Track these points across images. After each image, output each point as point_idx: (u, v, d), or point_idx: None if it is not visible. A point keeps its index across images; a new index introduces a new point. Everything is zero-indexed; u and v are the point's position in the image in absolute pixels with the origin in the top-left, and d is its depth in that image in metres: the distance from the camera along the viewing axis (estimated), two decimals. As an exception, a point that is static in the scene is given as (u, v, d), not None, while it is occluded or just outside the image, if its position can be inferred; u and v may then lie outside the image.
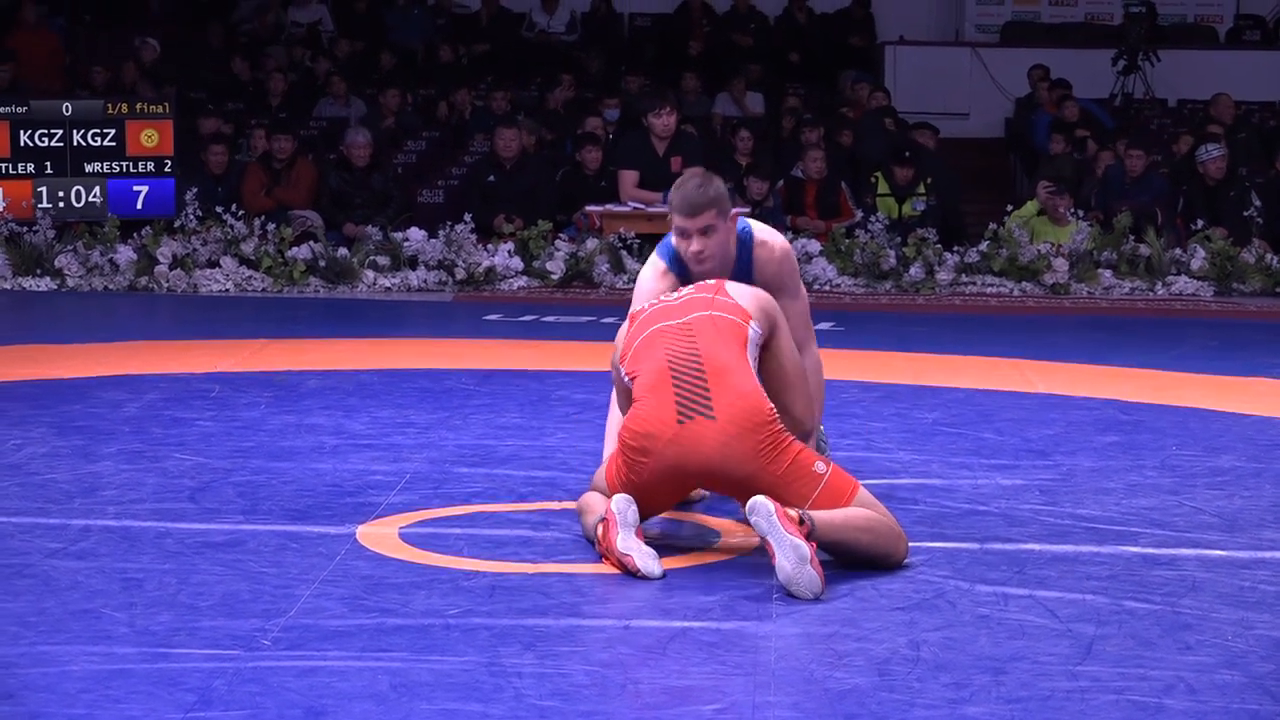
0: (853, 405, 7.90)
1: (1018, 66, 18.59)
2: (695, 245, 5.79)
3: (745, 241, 5.94)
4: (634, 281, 12.52)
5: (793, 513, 4.84)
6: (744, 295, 5.42)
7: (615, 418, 5.74)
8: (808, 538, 4.81)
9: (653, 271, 5.98)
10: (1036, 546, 5.39)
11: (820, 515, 4.95)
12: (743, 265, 5.93)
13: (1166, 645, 4.40)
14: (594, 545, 5.18)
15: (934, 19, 20.01)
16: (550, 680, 4.07)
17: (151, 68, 17.57)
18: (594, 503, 5.30)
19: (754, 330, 5.27)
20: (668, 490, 5.22)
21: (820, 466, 5.09)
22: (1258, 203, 13.85)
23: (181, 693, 3.92)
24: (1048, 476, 6.49)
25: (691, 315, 5.30)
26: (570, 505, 5.72)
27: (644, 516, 5.16)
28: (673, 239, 5.90)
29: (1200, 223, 13.71)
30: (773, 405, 5.13)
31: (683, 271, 5.88)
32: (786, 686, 4.06)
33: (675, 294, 5.53)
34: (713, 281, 5.53)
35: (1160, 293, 13.16)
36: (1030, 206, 14.04)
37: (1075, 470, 6.62)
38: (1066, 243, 13.45)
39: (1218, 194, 14.36)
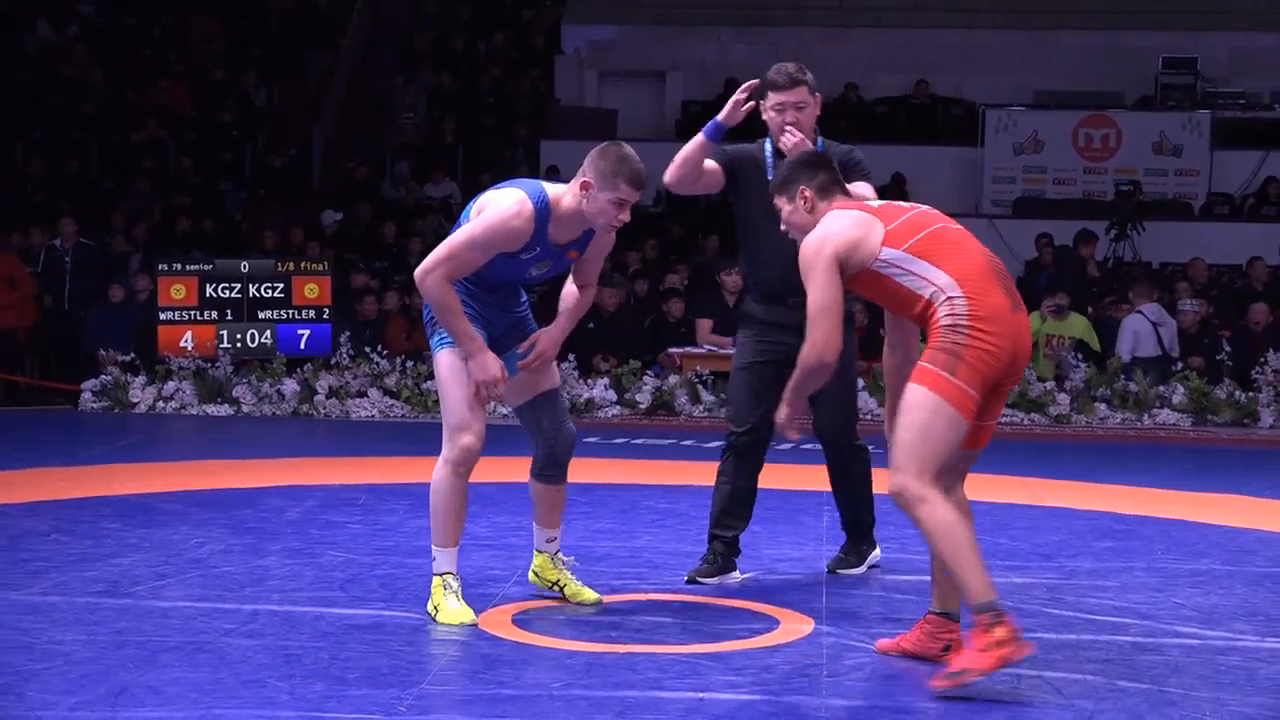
0: (888, 516, 7.85)
1: (1026, 234, 18.57)
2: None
3: None
4: (709, 411, 12.30)
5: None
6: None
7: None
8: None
9: (514, 209, 5.53)
10: (1044, 635, 5.33)
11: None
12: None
13: (1154, 719, 4.37)
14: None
15: (956, 194, 19.91)
16: (637, 743, 4.06)
17: (315, 231, 17.77)
18: None
19: None
20: (1001, 377, 4.80)
21: None
22: (1228, 348, 13.76)
23: (332, 750, 3.93)
24: (1053, 576, 6.44)
25: (958, 224, 4.99)
26: (652, 596, 5.71)
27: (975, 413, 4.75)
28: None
29: (1180, 365, 13.64)
30: None
31: (544, 225, 5.58)
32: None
33: (909, 205, 5.02)
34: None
35: (1146, 423, 13.05)
36: (1035, 317, 14.04)
37: (1076, 571, 6.57)
38: (1068, 334, 13.83)
39: (1194, 341, 14.28)
